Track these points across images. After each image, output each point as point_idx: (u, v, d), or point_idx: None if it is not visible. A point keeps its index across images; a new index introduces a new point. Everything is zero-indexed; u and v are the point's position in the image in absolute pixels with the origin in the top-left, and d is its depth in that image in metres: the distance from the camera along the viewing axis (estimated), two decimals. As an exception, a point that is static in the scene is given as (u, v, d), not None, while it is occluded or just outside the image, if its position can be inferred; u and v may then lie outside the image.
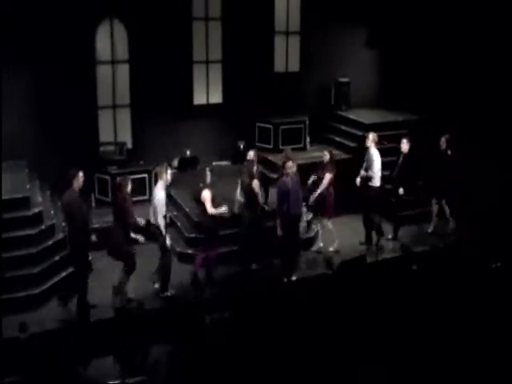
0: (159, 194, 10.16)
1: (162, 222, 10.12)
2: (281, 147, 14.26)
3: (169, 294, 10.40)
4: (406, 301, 9.12)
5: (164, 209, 10.17)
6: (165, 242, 10.18)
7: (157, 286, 10.49)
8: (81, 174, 9.64)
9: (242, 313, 9.10)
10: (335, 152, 12.99)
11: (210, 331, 8.67)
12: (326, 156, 11.89)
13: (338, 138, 15.16)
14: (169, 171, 10.30)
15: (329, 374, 7.75)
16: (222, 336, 8.55)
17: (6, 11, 11.65)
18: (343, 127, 15.35)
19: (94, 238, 9.76)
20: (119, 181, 10.24)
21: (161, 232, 10.13)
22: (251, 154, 11.42)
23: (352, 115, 15.49)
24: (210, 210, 10.39)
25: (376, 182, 11.96)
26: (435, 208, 12.83)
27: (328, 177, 11.57)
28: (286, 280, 10.95)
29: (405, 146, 12.23)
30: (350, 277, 9.96)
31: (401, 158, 12.30)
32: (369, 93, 16.32)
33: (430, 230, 12.95)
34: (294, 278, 11.03)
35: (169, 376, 8.32)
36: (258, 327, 8.65)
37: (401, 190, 12.15)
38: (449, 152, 12.40)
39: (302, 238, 11.83)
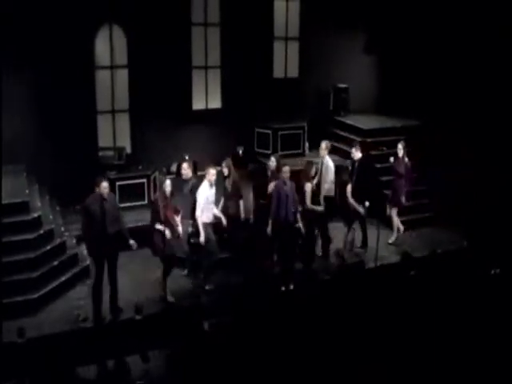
0: (200, 191, 10.43)
1: (198, 217, 10.35)
2: (280, 152, 14.24)
3: (207, 287, 10.63)
4: (405, 305, 9.14)
5: (203, 206, 10.37)
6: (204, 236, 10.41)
7: None
8: (104, 183, 9.71)
9: (242, 317, 9.11)
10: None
11: (209, 336, 8.67)
12: (273, 163, 11.19)
13: (336, 144, 15.13)
14: (212, 171, 10.48)
15: (329, 375, 7.77)
16: (221, 341, 8.56)
17: (5, 13, 11.64)
18: (342, 133, 15.36)
19: (133, 243, 9.84)
20: (162, 182, 10.52)
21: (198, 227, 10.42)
22: (173, 169, 11.05)
23: (350, 121, 15.49)
24: (308, 203, 10.40)
25: (331, 191, 11.71)
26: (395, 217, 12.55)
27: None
28: (284, 288, 10.84)
29: (355, 153, 11.88)
30: (348, 282, 10.00)
31: (356, 166, 11.91)
32: (367, 98, 16.32)
33: (390, 241, 12.59)
34: (291, 287, 10.88)
35: (167, 381, 8.32)
36: (258, 330, 8.67)
37: (366, 203, 11.55)
38: (406, 159, 12.25)
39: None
